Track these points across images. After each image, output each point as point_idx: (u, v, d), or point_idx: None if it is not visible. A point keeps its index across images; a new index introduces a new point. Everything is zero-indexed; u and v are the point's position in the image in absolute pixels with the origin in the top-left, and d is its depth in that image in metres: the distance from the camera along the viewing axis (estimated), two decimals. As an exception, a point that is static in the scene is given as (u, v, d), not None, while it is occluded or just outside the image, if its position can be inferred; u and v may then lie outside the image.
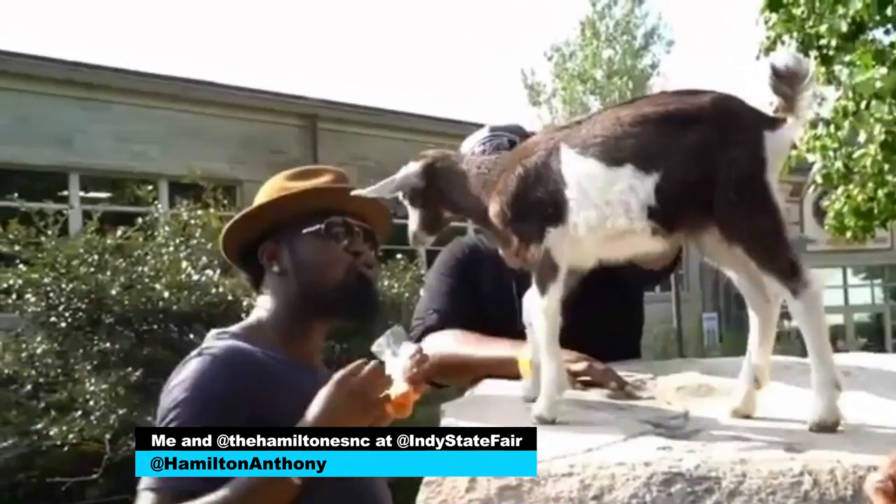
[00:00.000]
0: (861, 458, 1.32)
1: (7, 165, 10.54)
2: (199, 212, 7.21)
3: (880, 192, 8.29)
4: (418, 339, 2.27)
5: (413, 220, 1.85)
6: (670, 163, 1.48)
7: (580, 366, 1.91)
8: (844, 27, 7.06)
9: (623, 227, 1.53)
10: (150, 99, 11.88)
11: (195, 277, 6.42)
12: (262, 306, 1.90)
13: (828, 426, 1.46)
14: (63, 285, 6.45)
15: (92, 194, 11.81)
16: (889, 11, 6.76)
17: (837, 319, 23.08)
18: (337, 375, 1.66)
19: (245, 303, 5.93)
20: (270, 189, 1.93)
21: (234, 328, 1.86)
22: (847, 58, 8.04)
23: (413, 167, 1.81)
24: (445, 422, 1.69)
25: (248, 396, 1.68)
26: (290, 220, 1.86)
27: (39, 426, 6.15)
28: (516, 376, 1.89)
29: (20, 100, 10.64)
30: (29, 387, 6.34)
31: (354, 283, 1.87)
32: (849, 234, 8.69)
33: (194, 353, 1.75)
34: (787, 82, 1.46)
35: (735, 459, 1.34)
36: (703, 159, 1.46)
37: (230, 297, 6.15)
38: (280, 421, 1.63)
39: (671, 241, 1.57)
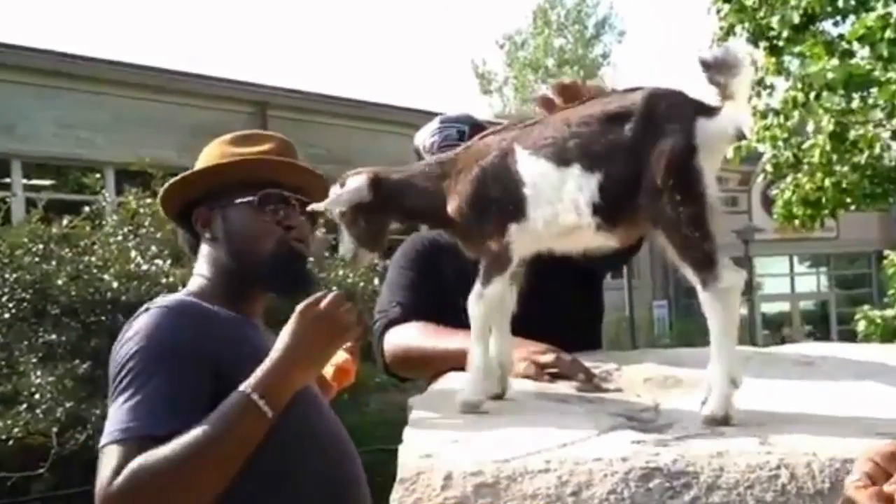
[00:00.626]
0: (837, 451, 1.31)
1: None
2: (148, 200, 7.08)
3: (828, 182, 8.44)
4: (381, 333, 2.27)
5: (352, 238, 1.78)
6: (611, 160, 1.50)
7: (548, 357, 1.90)
8: (796, 18, 7.15)
9: (572, 223, 1.55)
10: (96, 85, 11.65)
11: (144, 267, 6.31)
12: (199, 273, 1.89)
13: (719, 420, 1.47)
14: (6, 275, 6.29)
15: (35, 182, 11.54)
16: (840, 3, 6.86)
17: (784, 307, 23.53)
18: (300, 306, 1.67)
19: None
20: (210, 153, 1.93)
21: (177, 294, 1.87)
22: (797, 49, 8.16)
23: (359, 181, 1.74)
24: (413, 416, 1.66)
25: (206, 344, 1.68)
26: (225, 187, 1.86)
27: (-17, 420, 6.01)
28: None
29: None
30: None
31: (285, 256, 1.86)
32: (796, 223, 8.83)
33: (142, 309, 1.73)
34: (717, 71, 1.47)
35: (712, 453, 1.32)
36: (639, 154, 1.48)
37: (181, 287, 6.03)
38: (242, 369, 1.64)
39: (615, 235, 1.58)
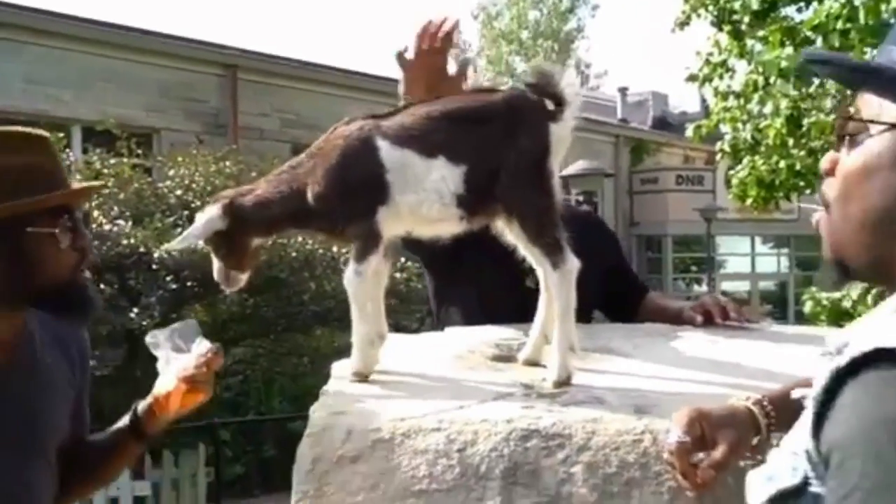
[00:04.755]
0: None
1: None
2: (112, 161, 7.13)
3: (783, 164, 8.63)
4: None
5: (221, 263, 1.87)
6: (474, 155, 1.67)
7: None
8: (755, 4, 7.30)
9: (437, 212, 1.70)
10: (65, 41, 11.54)
11: (107, 227, 6.36)
12: None
13: (563, 382, 1.67)
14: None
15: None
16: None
17: (744, 286, 23.90)
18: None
19: (156, 254, 5.93)
20: None
21: None
22: (760, 33, 8.31)
23: (213, 210, 1.81)
24: (333, 379, 1.79)
25: None
26: (10, 217, 1.65)
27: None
28: None
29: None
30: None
31: (81, 285, 1.77)
32: (748, 202, 9.03)
33: None
34: (542, 87, 1.66)
35: (588, 419, 1.48)
36: (499, 150, 1.65)
37: (142, 249, 6.12)
38: None
39: (474, 223, 1.74)
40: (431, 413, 1.51)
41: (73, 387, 1.88)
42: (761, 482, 0.97)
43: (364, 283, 1.75)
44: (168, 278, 6.24)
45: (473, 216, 1.71)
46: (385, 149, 1.71)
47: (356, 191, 1.75)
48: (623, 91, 22.53)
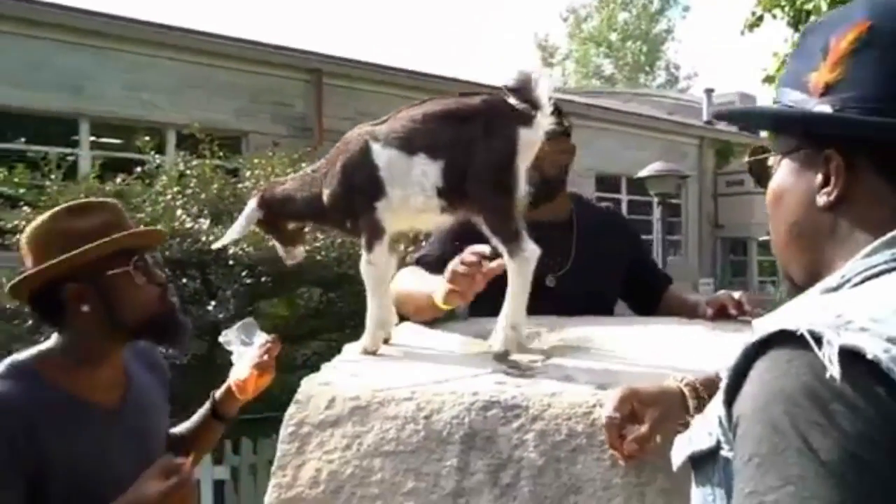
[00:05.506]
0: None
1: (18, 110, 10.82)
2: (195, 162, 7.52)
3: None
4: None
5: (276, 242, 2.24)
6: (451, 152, 1.84)
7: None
8: (825, 5, 7.23)
9: (421, 203, 1.89)
10: (160, 49, 12.10)
11: (188, 225, 6.72)
12: (71, 340, 1.94)
13: (501, 355, 1.86)
14: (64, 229, 6.76)
15: (105, 140, 12.10)
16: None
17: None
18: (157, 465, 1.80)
19: (231, 251, 6.26)
20: (48, 234, 1.94)
21: (28, 358, 1.90)
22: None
23: (251, 204, 2.14)
24: (341, 356, 2.00)
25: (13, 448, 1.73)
26: (89, 263, 1.89)
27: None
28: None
29: (30, 45, 10.88)
30: (30, 322, 6.68)
31: (166, 313, 1.99)
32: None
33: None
34: (521, 92, 1.80)
35: (547, 393, 1.63)
36: (474, 149, 1.82)
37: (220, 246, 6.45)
38: (62, 464, 1.77)
39: (457, 215, 1.91)
40: (408, 385, 1.69)
41: (166, 399, 2.16)
42: (683, 443, 1.08)
43: (377, 271, 1.99)
44: (243, 273, 6.56)
45: (454, 207, 1.89)
46: (377, 150, 1.93)
47: (356, 188, 1.98)
48: (709, 92, 22.17)
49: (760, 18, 8.27)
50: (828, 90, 1.03)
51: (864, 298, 0.92)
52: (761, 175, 1.16)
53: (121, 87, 11.78)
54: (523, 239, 1.82)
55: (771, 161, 1.14)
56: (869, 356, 0.81)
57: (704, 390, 1.49)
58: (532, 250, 1.82)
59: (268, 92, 13.15)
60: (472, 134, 1.83)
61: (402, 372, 1.80)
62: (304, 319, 7.76)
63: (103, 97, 11.55)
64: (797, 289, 1.14)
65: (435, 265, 2.49)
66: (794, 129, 1.09)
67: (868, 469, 0.78)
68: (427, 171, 1.87)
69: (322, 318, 7.72)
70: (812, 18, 8.32)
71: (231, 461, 6.92)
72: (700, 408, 1.45)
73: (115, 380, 1.99)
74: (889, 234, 0.98)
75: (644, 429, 1.45)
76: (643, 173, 12.01)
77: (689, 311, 2.47)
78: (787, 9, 8.56)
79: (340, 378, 1.76)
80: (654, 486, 1.49)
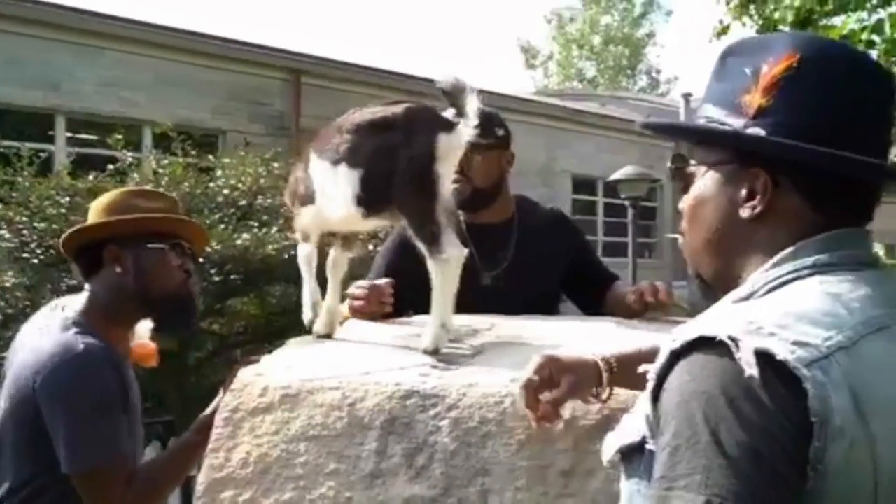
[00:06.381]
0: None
1: (-4, 105, 10.87)
2: (166, 161, 7.61)
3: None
4: None
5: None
6: (371, 160, 1.95)
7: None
8: (791, 16, 7.39)
9: (343, 212, 2.02)
10: (138, 46, 12.12)
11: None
12: (95, 294, 2.26)
13: (431, 352, 1.96)
14: (36, 224, 6.85)
15: (81, 136, 12.13)
16: (830, 4, 7.08)
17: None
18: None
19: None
20: (114, 202, 2.31)
21: (75, 316, 2.20)
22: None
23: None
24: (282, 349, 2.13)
25: (119, 394, 2.14)
26: (134, 233, 2.25)
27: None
28: None
29: (7, 41, 10.91)
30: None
31: (185, 296, 2.31)
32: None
33: (58, 326, 2.15)
34: (452, 97, 1.92)
35: (464, 383, 1.76)
36: (394, 156, 1.93)
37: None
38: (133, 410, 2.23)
39: (382, 219, 2.06)
40: (336, 376, 1.81)
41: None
42: (614, 438, 1.19)
43: (301, 261, 2.23)
44: (212, 271, 6.66)
45: (374, 214, 2.01)
46: (313, 161, 2.08)
47: (301, 196, 2.16)
48: (687, 97, 22.33)
49: (728, 27, 8.42)
50: (760, 113, 1.13)
51: (770, 307, 1.04)
52: (686, 181, 1.26)
53: (98, 84, 11.80)
54: (444, 241, 1.91)
55: (692, 169, 1.25)
56: (779, 358, 0.93)
57: (618, 365, 1.58)
58: (452, 253, 1.91)
59: (246, 90, 13.20)
60: (394, 141, 1.94)
61: (333, 364, 1.92)
62: (274, 317, 7.87)
63: (80, 94, 11.57)
64: (705, 286, 1.27)
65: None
66: (724, 146, 1.19)
67: (765, 463, 0.90)
68: (348, 180, 1.98)
69: (292, 315, 7.82)
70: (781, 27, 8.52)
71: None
72: (612, 380, 1.58)
73: (126, 353, 2.32)
74: (790, 248, 1.11)
75: (558, 392, 1.55)
76: (615, 177, 12.18)
77: (625, 306, 2.60)
78: (755, 17, 8.73)
79: (275, 369, 1.88)
80: (555, 468, 1.62)
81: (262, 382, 1.80)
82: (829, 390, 0.92)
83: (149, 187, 2.56)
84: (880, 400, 0.96)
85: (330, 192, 2.05)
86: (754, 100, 1.14)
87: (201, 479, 1.70)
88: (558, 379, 1.57)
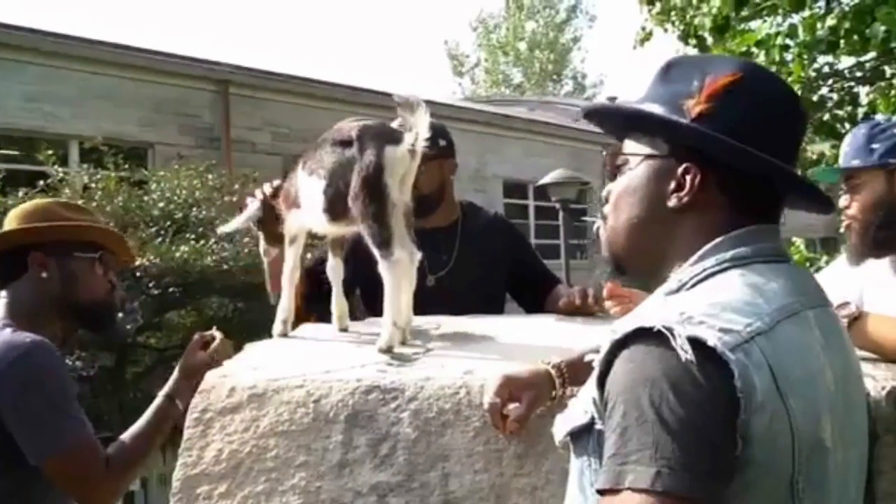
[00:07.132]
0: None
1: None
2: (99, 175, 7.56)
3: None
4: None
5: (262, 239, 2.56)
6: (334, 173, 2.12)
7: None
8: (709, 22, 7.67)
9: (314, 217, 2.21)
10: (62, 60, 11.95)
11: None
12: (16, 299, 2.32)
13: (384, 350, 2.09)
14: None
15: (6, 152, 11.89)
16: (745, 11, 7.38)
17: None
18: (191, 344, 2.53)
19: (137, 262, 6.35)
20: (37, 211, 2.38)
21: (2, 318, 2.27)
22: (729, 45, 8.67)
23: (255, 203, 2.45)
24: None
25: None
26: (61, 241, 2.34)
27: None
28: None
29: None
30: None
31: (109, 305, 2.46)
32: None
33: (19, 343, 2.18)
34: (403, 110, 2.06)
35: (421, 378, 1.87)
36: (350, 169, 2.08)
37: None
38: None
39: (347, 226, 2.18)
40: (300, 375, 1.91)
41: None
42: (563, 421, 1.30)
43: (285, 265, 2.38)
44: (150, 284, 6.65)
45: (338, 220, 2.16)
46: (299, 171, 2.26)
47: (290, 201, 2.33)
48: (612, 100, 22.88)
49: (650, 33, 8.68)
50: (699, 118, 1.26)
51: (698, 298, 1.17)
52: (615, 171, 1.38)
53: (21, 99, 11.61)
54: (393, 245, 2.05)
55: (621, 160, 1.37)
56: (709, 343, 1.06)
57: (568, 370, 1.74)
58: (400, 256, 2.05)
59: (174, 103, 13.11)
60: (350, 155, 2.09)
61: (295, 364, 2.01)
62: (212, 325, 7.87)
63: (3, 109, 11.37)
64: (619, 272, 1.41)
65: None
66: (661, 136, 1.31)
67: (704, 435, 1.03)
68: (317, 190, 2.16)
69: (231, 325, 7.84)
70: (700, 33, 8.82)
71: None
72: (564, 385, 1.74)
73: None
74: (713, 242, 1.25)
75: (522, 409, 1.69)
76: (545, 180, 12.43)
77: (560, 310, 2.76)
78: (676, 24, 9.02)
79: (240, 370, 1.97)
80: (509, 452, 1.75)
81: (229, 383, 1.89)
82: (751, 370, 1.06)
83: (79, 204, 2.65)
84: (795, 378, 1.11)
85: (305, 200, 2.23)
86: (697, 104, 1.27)
87: (177, 477, 1.78)
88: (518, 395, 1.71)
